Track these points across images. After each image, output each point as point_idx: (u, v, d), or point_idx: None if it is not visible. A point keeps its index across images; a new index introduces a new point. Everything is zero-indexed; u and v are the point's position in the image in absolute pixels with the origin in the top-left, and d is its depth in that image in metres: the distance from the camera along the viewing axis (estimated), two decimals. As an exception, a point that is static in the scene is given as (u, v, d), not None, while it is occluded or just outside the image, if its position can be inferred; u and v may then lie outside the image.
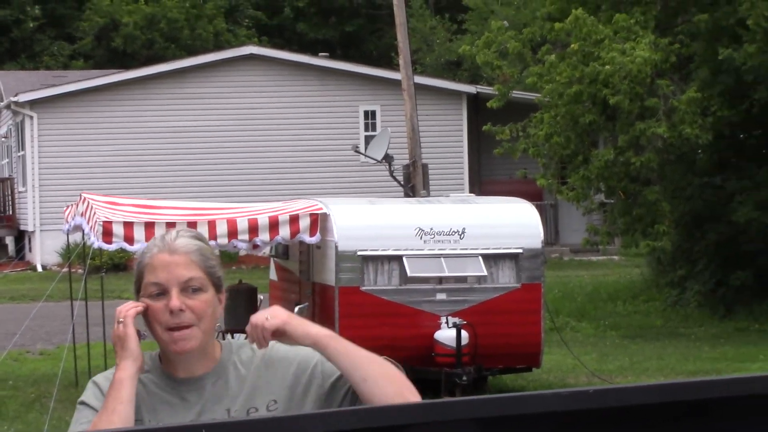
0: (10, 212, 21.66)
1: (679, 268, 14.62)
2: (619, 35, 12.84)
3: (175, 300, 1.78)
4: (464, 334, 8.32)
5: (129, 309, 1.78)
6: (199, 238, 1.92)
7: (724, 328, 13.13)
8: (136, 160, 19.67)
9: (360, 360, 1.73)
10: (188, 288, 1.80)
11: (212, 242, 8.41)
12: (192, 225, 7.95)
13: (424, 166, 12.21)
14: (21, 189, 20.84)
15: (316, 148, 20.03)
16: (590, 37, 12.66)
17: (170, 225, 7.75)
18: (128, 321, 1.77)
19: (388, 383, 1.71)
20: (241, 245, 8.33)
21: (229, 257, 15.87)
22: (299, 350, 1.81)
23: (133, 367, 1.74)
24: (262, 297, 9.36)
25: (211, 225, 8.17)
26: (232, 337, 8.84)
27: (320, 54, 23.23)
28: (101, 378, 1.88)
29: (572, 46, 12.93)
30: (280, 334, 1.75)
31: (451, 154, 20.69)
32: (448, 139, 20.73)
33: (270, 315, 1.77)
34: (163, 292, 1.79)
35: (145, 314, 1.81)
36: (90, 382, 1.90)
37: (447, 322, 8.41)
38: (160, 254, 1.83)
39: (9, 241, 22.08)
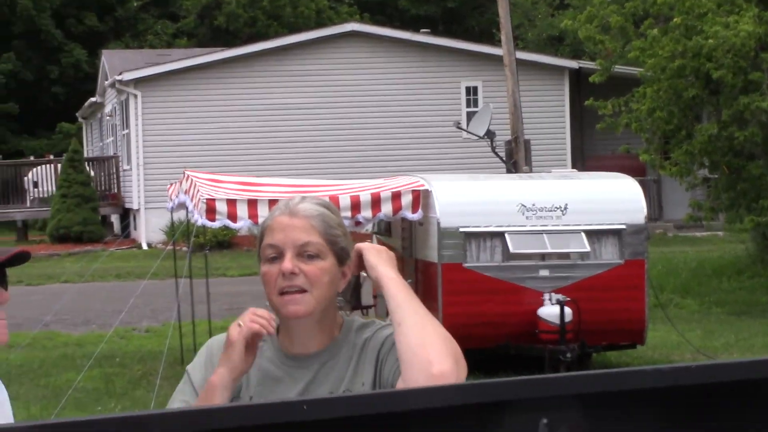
0: (116, 190, 22.14)
1: (785, 244, 14.02)
2: (722, 8, 12.53)
3: (287, 262, 1.72)
4: (567, 310, 8.23)
5: (253, 322, 1.70)
6: (326, 205, 1.85)
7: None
8: (239, 137, 19.91)
9: (404, 305, 1.69)
10: (304, 253, 1.74)
11: None
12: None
13: (527, 142, 12.12)
14: (125, 167, 21.31)
15: (418, 125, 20.05)
16: (693, 11, 12.41)
17: (273, 202, 7.92)
18: (243, 332, 1.69)
19: (416, 332, 1.64)
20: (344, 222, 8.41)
21: None
22: (386, 329, 1.78)
23: (227, 377, 1.70)
24: (364, 274, 9.44)
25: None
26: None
27: (422, 30, 23.24)
28: (215, 342, 1.85)
29: (675, 20, 12.69)
30: (359, 256, 1.78)
31: (553, 129, 20.44)
32: (550, 114, 20.49)
33: (375, 244, 1.74)
34: (278, 256, 1.74)
35: (264, 281, 1.76)
36: (204, 347, 1.89)
37: (550, 299, 8.34)
38: (280, 216, 1.78)
39: (114, 219, 22.59)
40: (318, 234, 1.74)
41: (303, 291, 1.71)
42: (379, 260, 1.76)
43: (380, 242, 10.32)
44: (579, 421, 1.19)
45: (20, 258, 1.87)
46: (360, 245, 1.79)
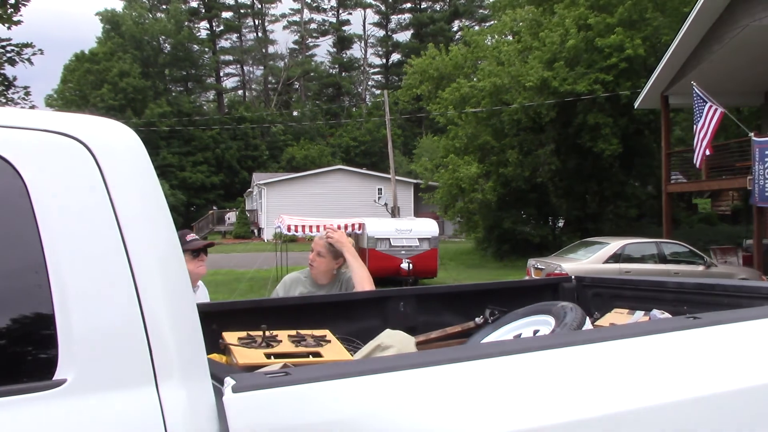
0: (256, 221, 40.98)
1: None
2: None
3: (311, 256, 4.22)
4: (411, 265, 21.90)
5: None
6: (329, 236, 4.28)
7: None
8: (300, 204, 39.33)
9: (354, 264, 4.10)
10: (318, 253, 4.23)
11: (324, 232, 22.38)
12: (317, 227, 22.11)
13: (398, 207, 27.03)
14: (260, 213, 42.80)
15: (362, 202, 40.81)
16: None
17: (309, 226, 22.03)
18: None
19: (358, 275, 4.04)
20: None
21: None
22: (348, 273, 4.24)
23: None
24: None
25: (324, 227, 22.29)
26: None
27: (363, 168, 41.73)
28: (287, 277, 4.32)
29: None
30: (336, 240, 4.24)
31: (407, 204, 37.17)
32: (408, 198, 36.02)
33: (341, 236, 4.26)
34: (312, 251, 4.23)
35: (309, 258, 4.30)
36: (284, 278, 4.28)
37: (405, 261, 22.04)
38: (317, 238, 4.32)
39: (255, 231, 43.71)
40: (323, 246, 4.21)
41: (316, 267, 4.22)
42: (344, 242, 4.23)
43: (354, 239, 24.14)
44: (414, 304, 3.63)
45: (210, 246, 4.30)
46: (344, 240, 4.23)
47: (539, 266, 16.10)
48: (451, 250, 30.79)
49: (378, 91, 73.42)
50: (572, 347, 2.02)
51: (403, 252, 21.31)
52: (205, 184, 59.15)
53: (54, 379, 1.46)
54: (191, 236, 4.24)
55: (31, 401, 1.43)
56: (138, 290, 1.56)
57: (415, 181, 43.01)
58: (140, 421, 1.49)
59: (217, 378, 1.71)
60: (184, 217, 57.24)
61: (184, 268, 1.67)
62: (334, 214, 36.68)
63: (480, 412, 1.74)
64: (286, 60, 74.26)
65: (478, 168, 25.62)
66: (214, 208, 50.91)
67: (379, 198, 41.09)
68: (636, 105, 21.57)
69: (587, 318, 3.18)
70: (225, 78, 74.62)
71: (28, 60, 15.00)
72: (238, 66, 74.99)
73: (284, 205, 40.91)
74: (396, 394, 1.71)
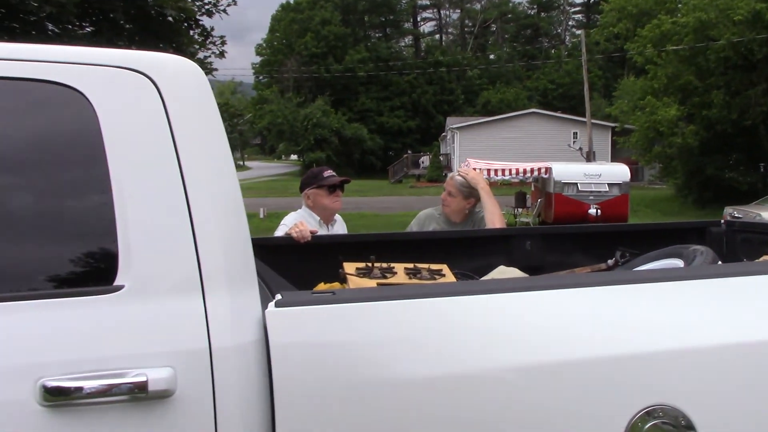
0: (449, 165, 44.12)
1: None
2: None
3: (443, 195, 4.28)
4: (600, 212, 21.21)
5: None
6: (463, 176, 4.28)
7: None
8: (493, 148, 40.39)
9: (488, 200, 4.08)
10: (450, 192, 4.26)
11: (510, 176, 22.19)
12: (503, 170, 21.87)
13: (594, 152, 25.69)
14: (453, 158, 44.15)
15: (553, 145, 40.23)
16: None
17: (497, 170, 21.83)
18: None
19: (490, 212, 4.03)
20: (521, 177, 22.00)
21: (522, 182, 31.23)
22: (481, 212, 4.19)
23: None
24: (528, 196, 22.97)
25: (510, 170, 21.87)
26: (518, 210, 22.60)
27: (558, 111, 47.55)
28: (422, 213, 4.42)
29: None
30: (471, 178, 4.22)
31: (605, 146, 35.57)
32: (606, 141, 34.59)
33: (475, 172, 4.32)
34: (444, 190, 4.30)
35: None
36: (417, 216, 4.44)
37: (593, 207, 21.34)
38: (449, 178, 4.36)
39: (447, 175, 43.40)
40: (454, 187, 4.25)
41: (447, 205, 4.28)
42: (479, 181, 4.25)
43: (534, 185, 23.70)
44: (541, 244, 3.66)
45: (345, 182, 4.25)
46: (479, 178, 4.26)
47: (736, 214, 15.09)
48: (648, 197, 29.53)
49: (579, 32, 70.69)
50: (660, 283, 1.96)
51: (591, 197, 20.67)
52: (401, 128, 60.24)
53: (114, 284, 1.65)
54: (328, 172, 4.36)
55: (94, 303, 1.63)
56: (190, 208, 1.71)
57: (612, 124, 41.16)
58: (186, 326, 1.65)
59: (272, 293, 1.83)
60: (382, 160, 58.83)
61: (236, 188, 1.80)
62: (524, 158, 36.07)
63: (534, 337, 1.75)
64: (482, 2, 73.28)
65: (677, 110, 24.11)
66: (409, 152, 51.80)
67: (573, 142, 39.90)
68: None
69: (719, 262, 3.02)
70: (422, 23, 75.03)
71: (224, 11, 15.90)
72: (435, 10, 74.99)
73: (476, 149, 41.02)
74: (437, 320, 1.76)
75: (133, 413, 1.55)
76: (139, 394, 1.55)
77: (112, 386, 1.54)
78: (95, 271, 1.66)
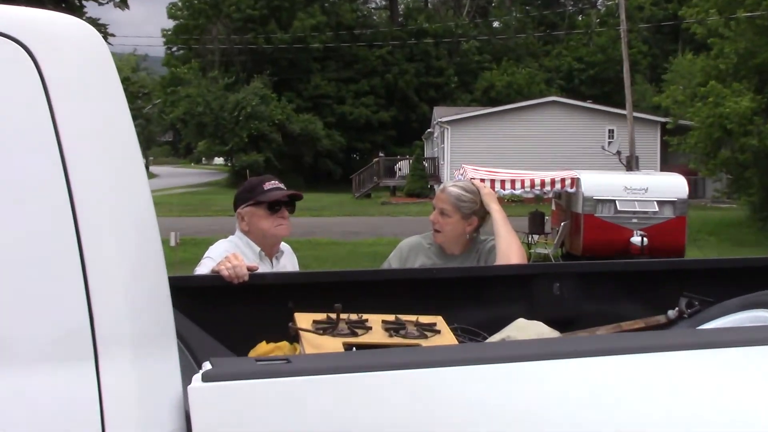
0: (437, 174, 46.83)
1: None
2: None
3: (432, 216, 4.25)
4: (645, 240, 21.30)
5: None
6: (463, 187, 4.29)
7: None
8: (496, 150, 41.97)
9: (502, 226, 4.14)
10: (441, 212, 4.23)
11: (522, 190, 22.21)
12: (512, 181, 21.89)
13: (636, 157, 26.78)
14: (441, 163, 46.40)
15: (580, 148, 42.31)
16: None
17: (502, 181, 21.85)
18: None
19: (505, 241, 4.07)
20: (536, 192, 21.97)
21: (539, 198, 32.14)
22: (489, 243, 4.30)
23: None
24: (547, 218, 23.05)
25: (522, 182, 21.66)
26: (533, 237, 22.68)
27: (588, 101, 49.22)
28: (404, 243, 4.48)
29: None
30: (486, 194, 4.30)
31: (649, 151, 42.60)
32: (648, 143, 42.57)
33: (488, 189, 4.40)
34: (434, 209, 4.28)
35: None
36: (398, 245, 4.47)
37: (636, 234, 21.35)
38: (439, 190, 4.31)
39: (436, 187, 47.92)
40: (450, 204, 4.22)
41: (438, 231, 4.26)
42: (491, 199, 4.29)
43: (556, 203, 23.81)
44: (574, 286, 3.53)
45: (296, 197, 4.33)
46: (485, 191, 4.35)
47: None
48: (711, 220, 29.83)
49: (615, -8, 71.69)
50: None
51: (634, 220, 20.94)
52: (371, 122, 60.50)
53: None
54: (270, 184, 4.34)
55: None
56: (79, 231, 1.64)
57: (662, 119, 41.80)
58: (71, 403, 1.58)
59: (198, 361, 1.76)
60: (343, 166, 58.80)
61: (148, 202, 1.74)
62: (542, 165, 36.34)
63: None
64: (484, -51, 73.97)
65: (752, 101, 24.43)
66: (381, 154, 51.86)
67: (609, 143, 40.26)
68: None
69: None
70: (401, -24, 75.44)
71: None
72: (419, -41, 75.56)
73: (474, 151, 41.47)
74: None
75: None
76: None
77: None
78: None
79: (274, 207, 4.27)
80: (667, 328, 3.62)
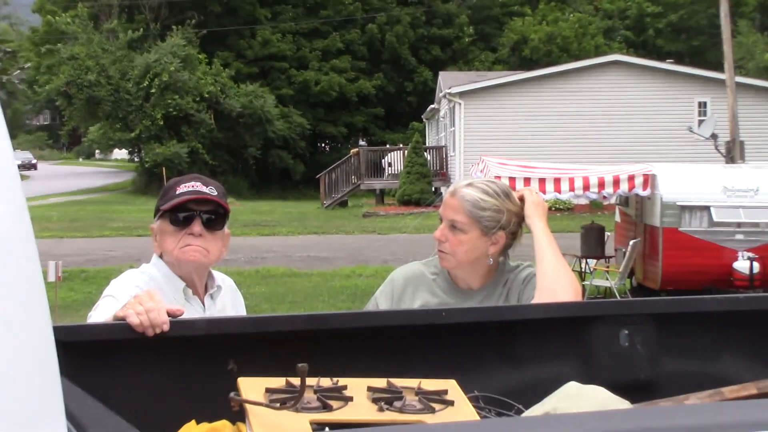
0: (444, 170, 50.05)
1: None
2: None
3: (437, 231, 4.26)
4: (756, 264, 20.17)
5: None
6: (485, 191, 4.26)
7: None
8: (531, 134, 44.78)
9: (546, 249, 4.19)
10: (452, 226, 4.22)
11: (570, 193, 21.79)
12: (556, 180, 21.60)
13: (741, 143, 26.79)
14: (451, 154, 48.93)
15: (659, 129, 42.70)
16: None
17: (541, 180, 21.56)
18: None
19: (550, 269, 4.11)
20: (592, 196, 21.89)
21: (596, 205, 31.42)
22: (526, 270, 4.35)
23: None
24: (609, 234, 22.81)
25: (571, 181, 21.47)
26: (586, 263, 22.44)
27: (667, 61, 53.43)
28: (396, 274, 4.57)
29: None
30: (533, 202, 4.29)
31: (764, 134, 43.78)
32: (762, 122, 43.65)
33: (537, 197, 4.33)
34: (440, 222, 4.27)
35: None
36: (389, 277, 4.60)
37: (743, 256, 20.49)
38: (446, 195, 4.27)
39: (443, 190, 45.80)
40: (464, 213, 4.21)
41: (446, 252, 4.28)
42: (536, 212, 4.29)
43: (621, 212, 23.69)
44: (650, 333, 3.56)
45: (217, 207, 4.22)
46: (524, 194, 4.35)
47: None
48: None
49: None
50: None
51: (738, 236, 20.92)
52: (345, 95, 60.30)
53: None
54: (188, 186, 4.25)
55: None
56: None
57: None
58: None
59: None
60: (306, 161, 58.32)
61: (24, 218, 1.77)
62: (599, 155, 36.27)
63: None
64: None
65: None
66: (363, 143, 51.62)
67: (700, 123, 40.27)
68: None
69: None
70: None
71: None
72: None
73: (498, 136, 42.61)
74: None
75: None
76: None
77: None
78: None
79: (177, 218, 4.21)
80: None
